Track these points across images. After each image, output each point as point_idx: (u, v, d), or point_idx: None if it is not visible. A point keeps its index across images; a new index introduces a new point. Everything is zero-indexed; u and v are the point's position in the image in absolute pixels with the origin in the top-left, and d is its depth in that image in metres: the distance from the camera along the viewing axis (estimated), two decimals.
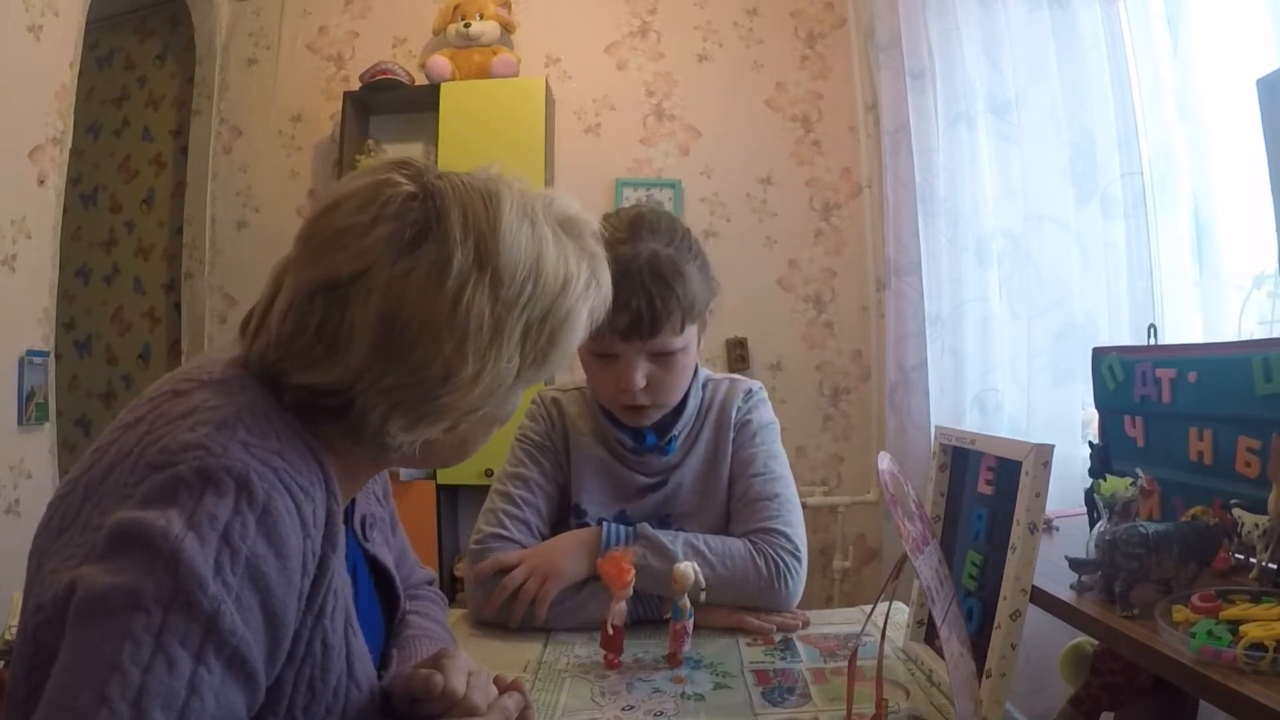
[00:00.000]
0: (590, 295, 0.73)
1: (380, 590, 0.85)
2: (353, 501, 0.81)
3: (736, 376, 1.32)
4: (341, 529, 0.66)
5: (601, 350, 1.12)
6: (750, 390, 1.29)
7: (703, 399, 1.27)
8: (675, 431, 1.22)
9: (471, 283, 0.65)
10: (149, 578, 0.54)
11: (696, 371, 1.24)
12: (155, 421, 0.62)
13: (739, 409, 1.26)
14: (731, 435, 1.24)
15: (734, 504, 1.22)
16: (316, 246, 0.66)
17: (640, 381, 1.11)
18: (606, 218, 1.15)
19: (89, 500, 0.60)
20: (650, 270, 1.07)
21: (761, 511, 1.17)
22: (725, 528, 1.22)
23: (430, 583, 1.02)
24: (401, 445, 0.68)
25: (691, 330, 1.14)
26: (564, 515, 1.24)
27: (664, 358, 1.12)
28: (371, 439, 0.67)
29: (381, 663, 0.82)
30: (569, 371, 1.18)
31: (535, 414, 1.28)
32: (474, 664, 0.76)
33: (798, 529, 1.17)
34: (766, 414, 1.28)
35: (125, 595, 0.53)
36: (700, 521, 1.21)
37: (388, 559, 0.85)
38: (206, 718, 0.54)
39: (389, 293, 0.63)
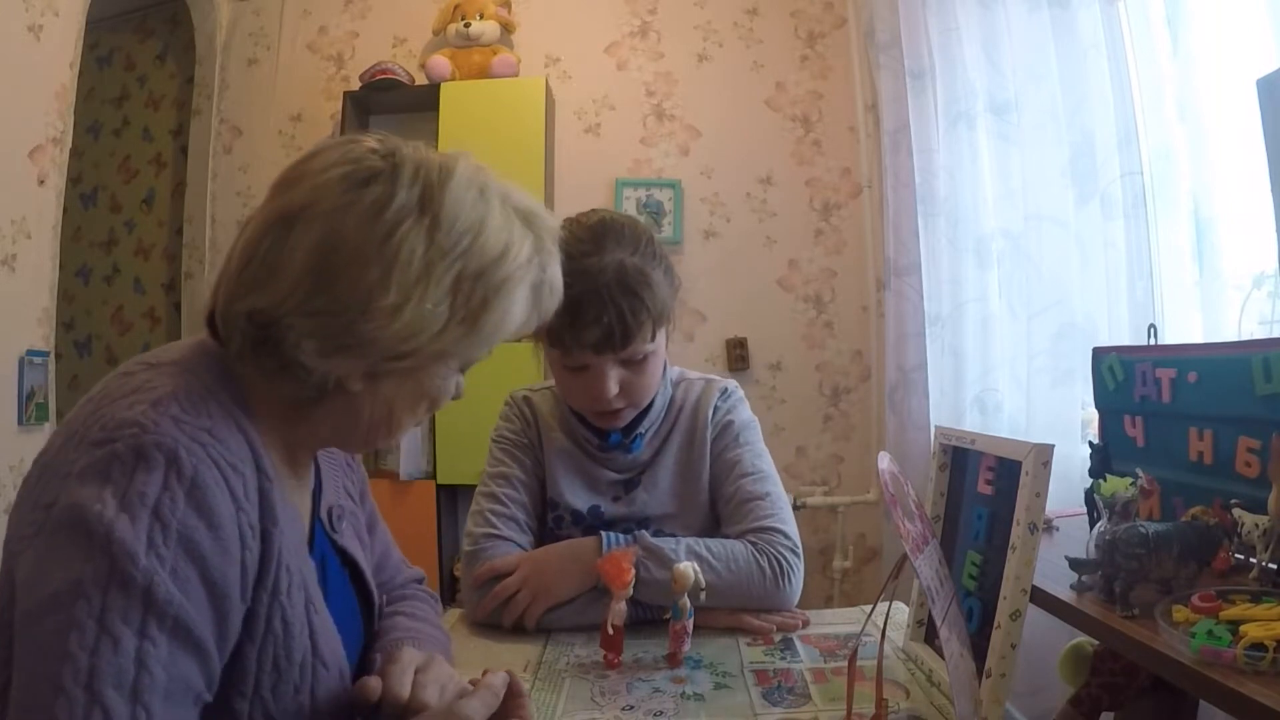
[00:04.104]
0: (530, 273, 0.74)
1: (356, 584, 0.86)
2: (319, 493, 0.82)
3: (711, 376, 1.32)
4: (279, 506, 0.67)
5: (573, 363, 1.12)
6: (726, 390, 1.29)
7: (673, 397, 1.27)
8: (642, 429, 1.22)
9: (409, 221, 0.67)
10: (88, 564, 0.56)
11: (666, 369, 1.24)
12: (101, 401, 0.65)
13: (716, 409, 1.26)
14: (709, 435, 1.24)
15: (724, 505, 1.22)
16: (278, 186, 0.71)
17: (614, 390, 1.11)
18: (568, 225, 1.14)
19: (41, 478, 0.63)
20: (618, 283, 1.06)
21: (756, 511, 1.17)
22: (705, 528, 1.22)
23: (419, 581, 1.02)
24: (316, 371, 0.68)
25: (661, 333, 1.14)
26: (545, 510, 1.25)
27: (636, 364, 1.12)
28: (289, 365, 0.67)
29: (366, 666, 0.83)
30: (541, 375, 1.19)
31: (509, 414, 1.29)
32: (423, 658, 0.77)
33: (793, 526, 1.18)
34: (745, 413, 1.28)
35: (69, 587, 0.56)
36: (680, 522, 1.22)
37: (357, 551, 0.86)
38: (159, 691, 0.56)
39: (329, 221, 0.66)
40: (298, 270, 0.66)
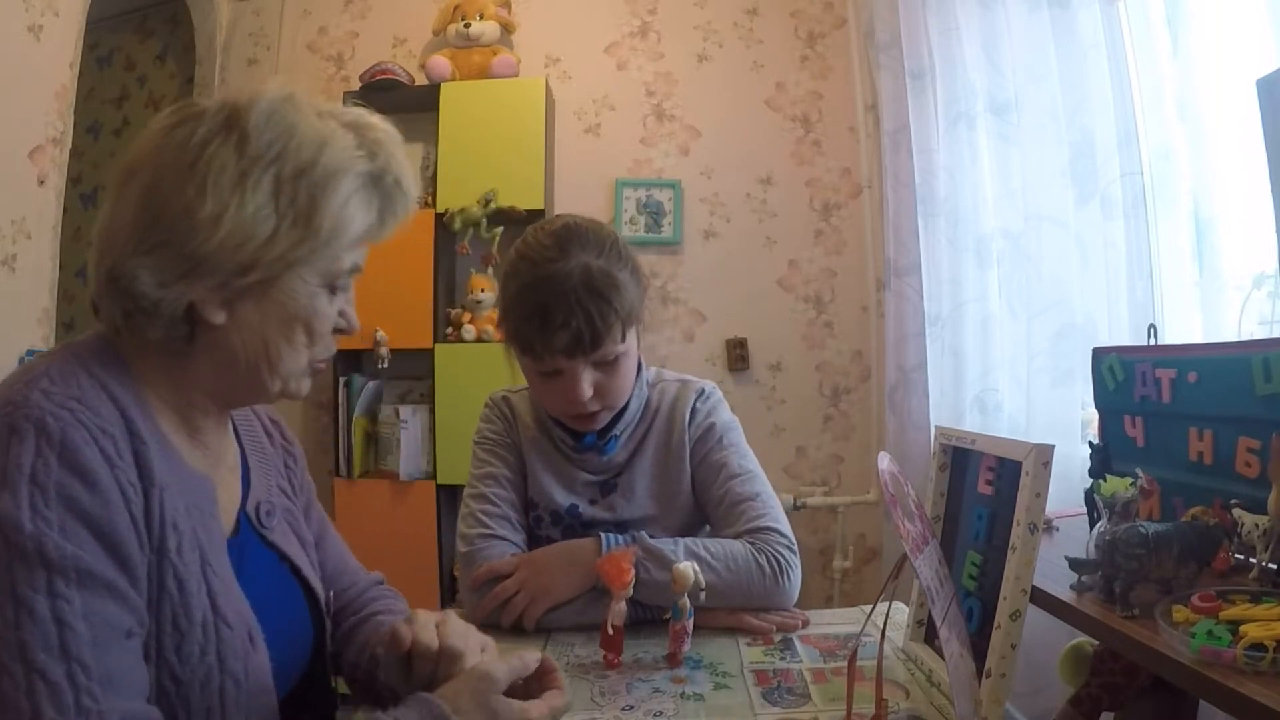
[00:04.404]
0: (358, 165, 0.75)
1: (301, 582, 0.87)
2: (248, 489, 0.84)
3: (688, 377, 1.31)
4: (159, 467, 0.69)
5: (545, 369, 1.12)
6: (703, 391, 1.28)
7: (649, 399, 1.27)
8: (617, 431, 1.22)
9: (217, 141, 0.70)
10: None
11: (641, 370, 1.24)
12: None
13: (695, 411, 1.26)
14: (687, 438, 1.24)
15: (714, 509, 1.22)
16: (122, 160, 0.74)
17: (588, 392, 1.12)
18: (532, 231, 1.15)
19: None
20: (585, 287, 1.06)
21: (748, 512, 1.18)
22: (685, 531, 1.22)
23: (380, 583, 1.05)
24: (164, 302, 0.69)
25: (632, 334, 1.14)
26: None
27: (608, 365, 1.13)
28: (144, 308, 0.70)
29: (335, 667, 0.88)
30: (511, 376, 1.20)
31: (490, 415, 1.29)
32: (439, 615, 0.80)
33: (786, 523, 1.18)
34: (726, 414, 1.28)
35: None
36: (660, 525, 1.22)
37: (292, 549, 0.87)
38: (85, 642, 0.60)
39: (150, 164, 0.71)
40: (132, 217, 0.70)
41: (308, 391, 0.81)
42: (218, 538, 0.75)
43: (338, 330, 0.80)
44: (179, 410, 0.75)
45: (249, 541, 0.82)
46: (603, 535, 1.14)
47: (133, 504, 0.66)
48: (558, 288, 1.06)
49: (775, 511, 1.19)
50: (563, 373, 1.11)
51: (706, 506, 1.24)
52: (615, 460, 1.24)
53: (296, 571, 0.86)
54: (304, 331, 0.76)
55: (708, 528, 1.27)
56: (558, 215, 1.18)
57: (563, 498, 1.23)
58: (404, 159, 0.79)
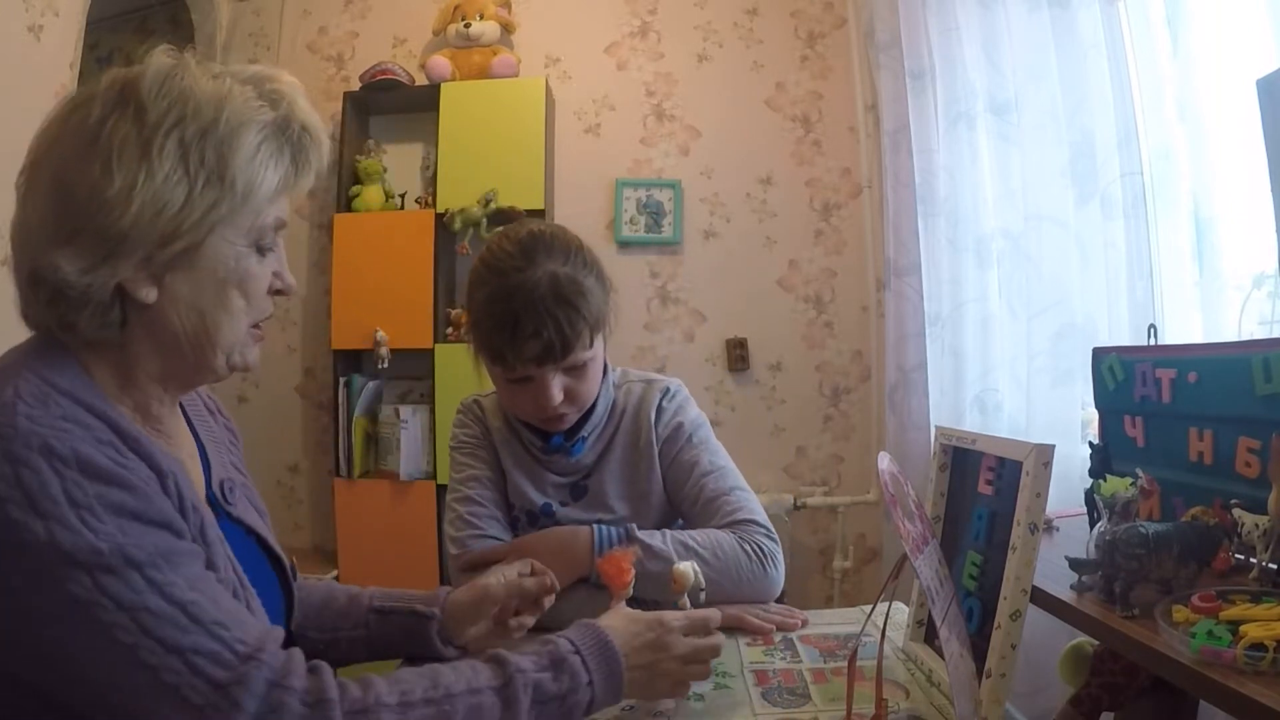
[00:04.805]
0: (259, 115, 0.74)
1: (267, 552, 0.89)
2: (209, 469, 0.85)
3: (653, 376, 1.32)
4: (159, 456, 0.70)
5: (515, 376, 1.12)
6: (669, 390, 1.29)
7: (615, 400, 1.27)
8: (584, 433, 1.23)
9: (114, 117, 0.69)
10: (61, 588, 0.59)
11: (607, 371, 1.25)
12: None
13: (661, 410, 1.26)
14: (655, 437, 1.25)
15: (689, 507, 1.22)
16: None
17: (558, 398, 1.13)
18: (497, 240, 1.15)
19: None
20: (553, 295, 1.07)
21: (724, 507, 1.19)
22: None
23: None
24: (92, 289, 0.68)
25: (599, 338, 1.15)
26: None
27: (577, 370, 1.13)
28: (74, 302, 0.68)
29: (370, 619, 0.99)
30: (479, 379, 1.21)
31: (464, 420, 1.30)
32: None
33: (763, 514, 1.20)
34: (693, 411, 1.29)
35: (75, 616, 0.59)
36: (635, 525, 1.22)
37: (255, 521, 0.88)
38: (208, 604, 0.63)
39: (52, 154, 0.70)
40: (43, 210, 0.69)
41: (256, 363, 0.80)
42: (211, 516, 0.76)
43: (276, 292, 0.80)
44: (137, 407, 0.75)
45: (220, 519, 0.82)
46: (595, 528, 1.14)
47: (154, 489, 0.67)
48: (526, 297, 1.06)
49: (751, 504, 1.20)
50: (533, 380, 1.12)
51: (681, 505, 1.24)
52: (583, 462, 1.25)
53: (263, 543, 0.88)
54: (239, 295, 0.75)
55: (680, 523, 1.27)
56: (521, 222, 1.19)
57: (537, 496, 1.24)
58: (308, 106, 0.79)
